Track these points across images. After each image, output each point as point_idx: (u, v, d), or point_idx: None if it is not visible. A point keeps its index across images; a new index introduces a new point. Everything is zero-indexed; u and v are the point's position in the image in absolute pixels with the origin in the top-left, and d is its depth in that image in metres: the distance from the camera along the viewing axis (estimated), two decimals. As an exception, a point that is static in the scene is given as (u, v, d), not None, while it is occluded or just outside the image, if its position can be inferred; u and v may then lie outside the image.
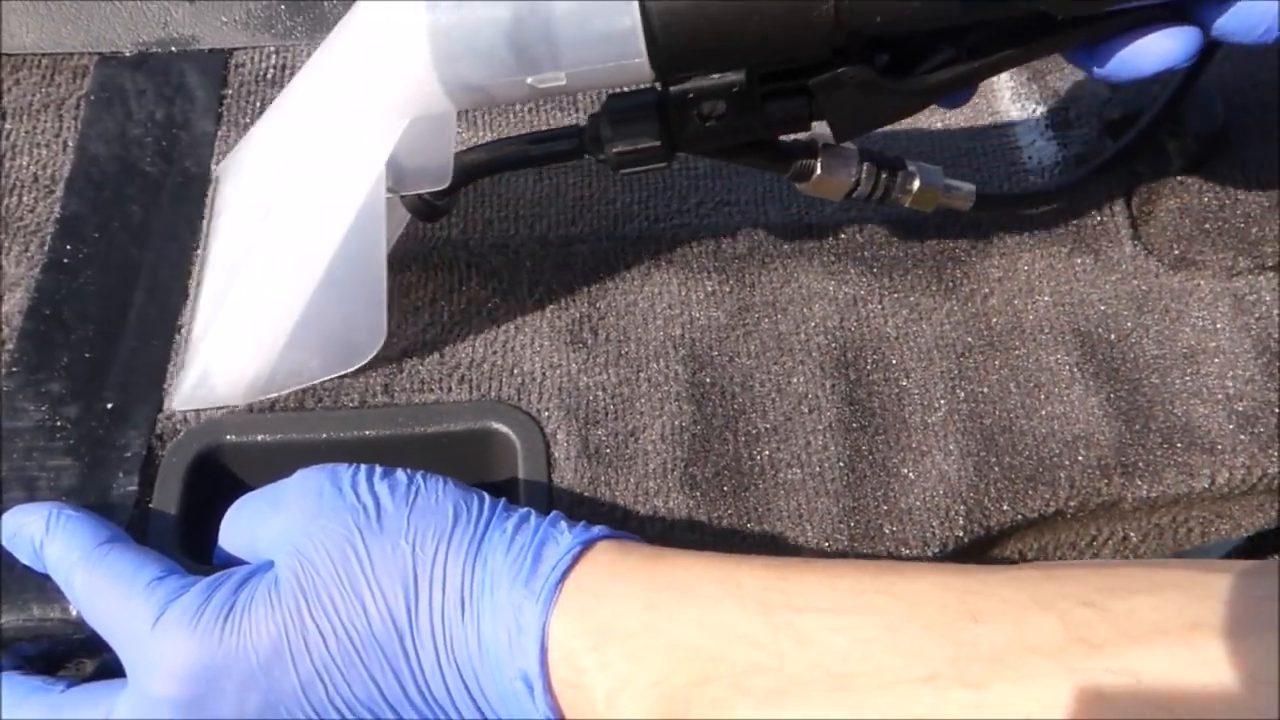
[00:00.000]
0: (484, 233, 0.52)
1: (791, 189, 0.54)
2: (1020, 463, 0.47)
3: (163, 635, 0.38)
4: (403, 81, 0.41)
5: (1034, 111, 0.58)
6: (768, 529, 0.46)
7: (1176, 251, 0.53)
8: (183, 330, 0.49)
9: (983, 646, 0.34)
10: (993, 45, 0.42)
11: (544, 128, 0.55)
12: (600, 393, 0.48)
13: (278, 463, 0.44)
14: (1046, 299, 0.51)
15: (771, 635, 0.36)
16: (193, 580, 0.39)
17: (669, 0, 0.38)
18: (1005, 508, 0.46)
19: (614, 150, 0.44)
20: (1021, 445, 0.47)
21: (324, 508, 0.39)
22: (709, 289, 0.51)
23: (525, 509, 0.40)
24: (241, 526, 0.42)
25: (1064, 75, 0.59)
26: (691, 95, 0.41)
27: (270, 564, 0.40)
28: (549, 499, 0.46)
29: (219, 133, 0.55)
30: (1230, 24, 0.40)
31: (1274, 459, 0.47)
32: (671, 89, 0.41)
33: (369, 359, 0.47)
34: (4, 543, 0.43)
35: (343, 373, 0.47)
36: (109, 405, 0.47)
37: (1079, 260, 0.52)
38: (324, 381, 0.48)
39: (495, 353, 0.49)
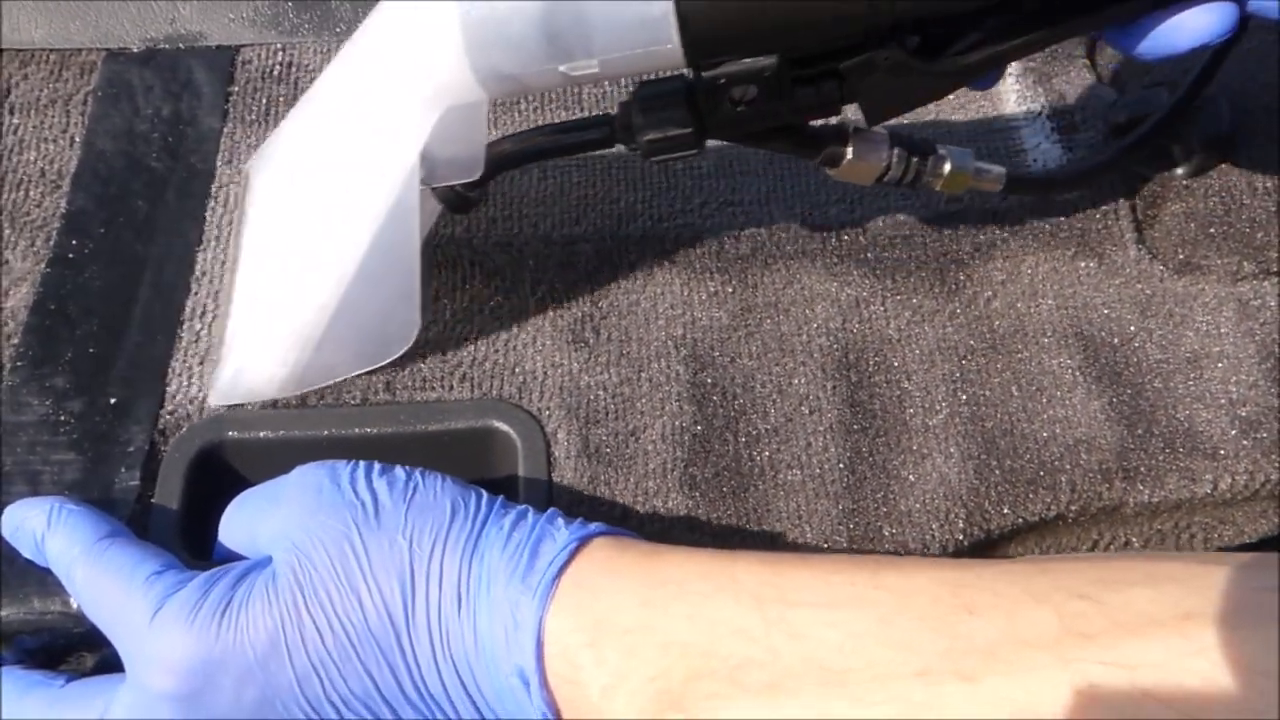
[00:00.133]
0: (487, 231, 0.53)
1: (794, 190, 0.55)
2: (1021, 466, 0.47)
3: (160, 629, 0.38)
4: (436, 71, 0.41)
5: (1039, 114, 0.57)
6: (767, 530, 0.46)
7: (1181, 256, 0.52)
8: (213, 324, 0.49)
9: (976, 639, 0.34)
10: (1025, 25, 0.41)
11: (543, 122, 0.55)
12: (601, 392, 0.48)
13: (279, 459, 0.44)
14: (1049, 302, 0.51)
15: (765, 630, 0.36)
16: (191, 575, 0.39)
17: None
18: (1006, 511, 0.46)
19: (645, 138, 0.43)
20: (1023, 449, 0.47)
21: (322, 504, 0.39)
22: (711, 289, 0.51)
23: (523, 506, 0.40)
24: (241, 522, 0.42)
25: (1069, 78, 0.58)
26: (723, 81, 0.41)
27: (269, 559, 0.40)
28: (549, 498, 0.46)
29: (225, 129, 0.56)
30: None
31: (1276, 465, 0.47)
32: (703, 75, 0.41)
33: (401, 353, 0.47)
34: (6, 536, 0.43)
35: (375, 367, 0.47)
36: (112, 400, 0.47)
37: (1083, 264, 0.52)
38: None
39: (497, 351, 0.49)
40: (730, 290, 0.51)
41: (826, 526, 0.46)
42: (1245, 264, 0.52)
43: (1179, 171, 0.54)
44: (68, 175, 0.53)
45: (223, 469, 0.47)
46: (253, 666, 0.37)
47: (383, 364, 0.47)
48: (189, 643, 0.37)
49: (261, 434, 0.46)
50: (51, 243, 0.51)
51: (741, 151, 0.55)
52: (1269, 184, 0.53)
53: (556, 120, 0.56)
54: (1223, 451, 0.47)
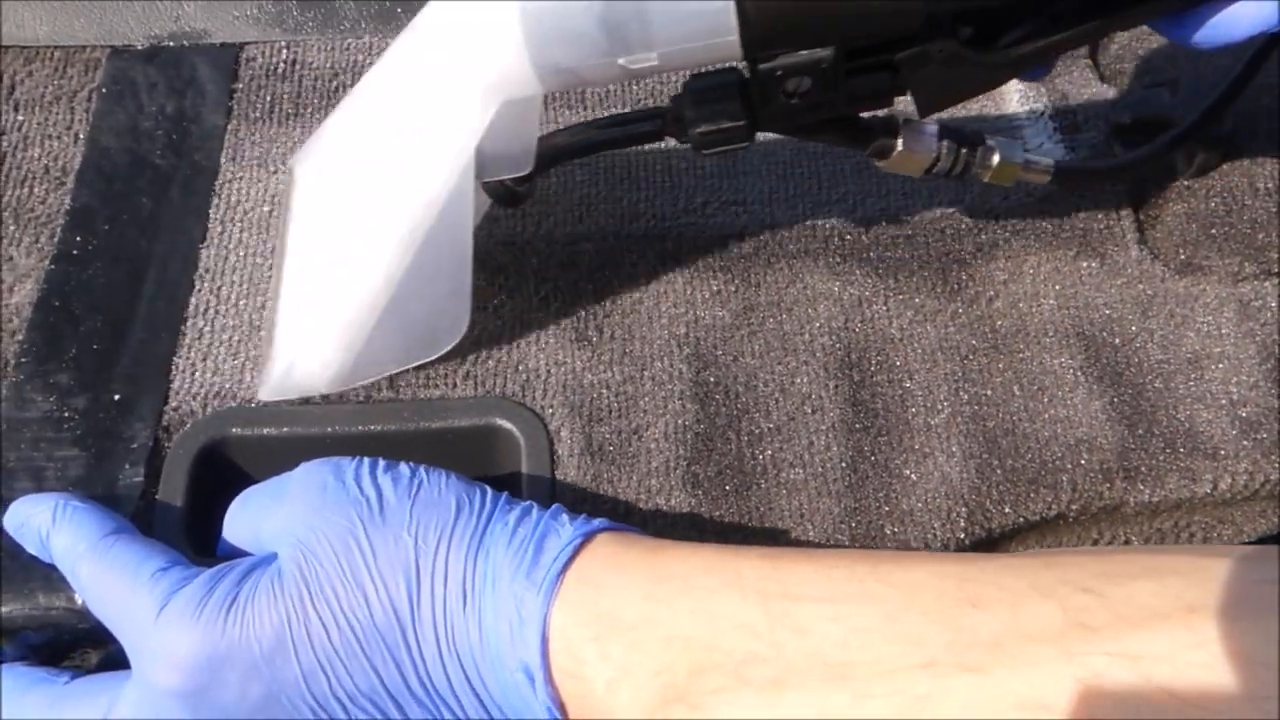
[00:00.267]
0: (490, 230, 0.53)
1: (797, 190, 0.55)
2: (1022, 465, 0.47)
3: (166, 626, 0.38)
4: (494, 66, 0.41)
5: (1042, 114, 0.58)
6: (770, 528, 0.46)
7: (1182, 256, 0.53)
8: (261, 318, 0.49)
9: (981, 633, 0.34)
10: (1078, 16, 0.41)
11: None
12: (604, 390, 0.48)
13: (283, 456, 0.44)
14: (1051, 302, 0.51)
15: (769, 625, 0.36)
16: (196, 571, 0.39)
17: None
18: (1007, 510, 0.46)
19: (697, 131, 0.44)
20: (1024, 448, 0.47)
21: (327, 500, 0.39)
22: (714, 288, 0.51)
23: (527, 502, 0.41)
24: (246, 519, 0.42)
25: (1072, 78, 0.59)
26: (779, 73, 0.41)
27: (273, 556, 0.40)
28: (552, 495, 0.46)
29: (229, 126, 0.56)
30: None
31: (1276, 465, 0.47)
32: (759, 67, 0.41)
33: (450, 347, 0.47)
34: (11, 533, 0.43)
35: (423, 361, 0.48)
36: (116, 397, 0.47)
37: (1084, 264, 0.52)
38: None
39: (500, 349, 0.49)
40: (733, 289, 0.51)
41: (829, 525, 0.46)
42: (1246, 265, 0.52)
43: (1180, 172, 0.54)
44: (72, 172, 0.53)
45: (227, 465, 0.47)
46: (258, 663, 0.38)
47: (428, 359, 0.48)
48: (194, 639, 0.38)
49: (265, 430, 0.46)
50: (56, 239, 0.51)
51: (745, 150, 0.55)
52: (1270, 185, 0.53)
53: (555, 116, 0.57)
54: (1223, 452, 0.47)
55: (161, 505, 0.45)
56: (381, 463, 0.41)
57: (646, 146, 0.49)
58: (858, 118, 0.45)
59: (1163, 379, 0.49)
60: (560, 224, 0.53)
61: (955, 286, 0.52)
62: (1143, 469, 0.47)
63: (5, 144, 0.54)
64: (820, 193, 0.55)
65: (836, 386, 0.49)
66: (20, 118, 0.55)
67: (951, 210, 0.54)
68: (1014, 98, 0.59)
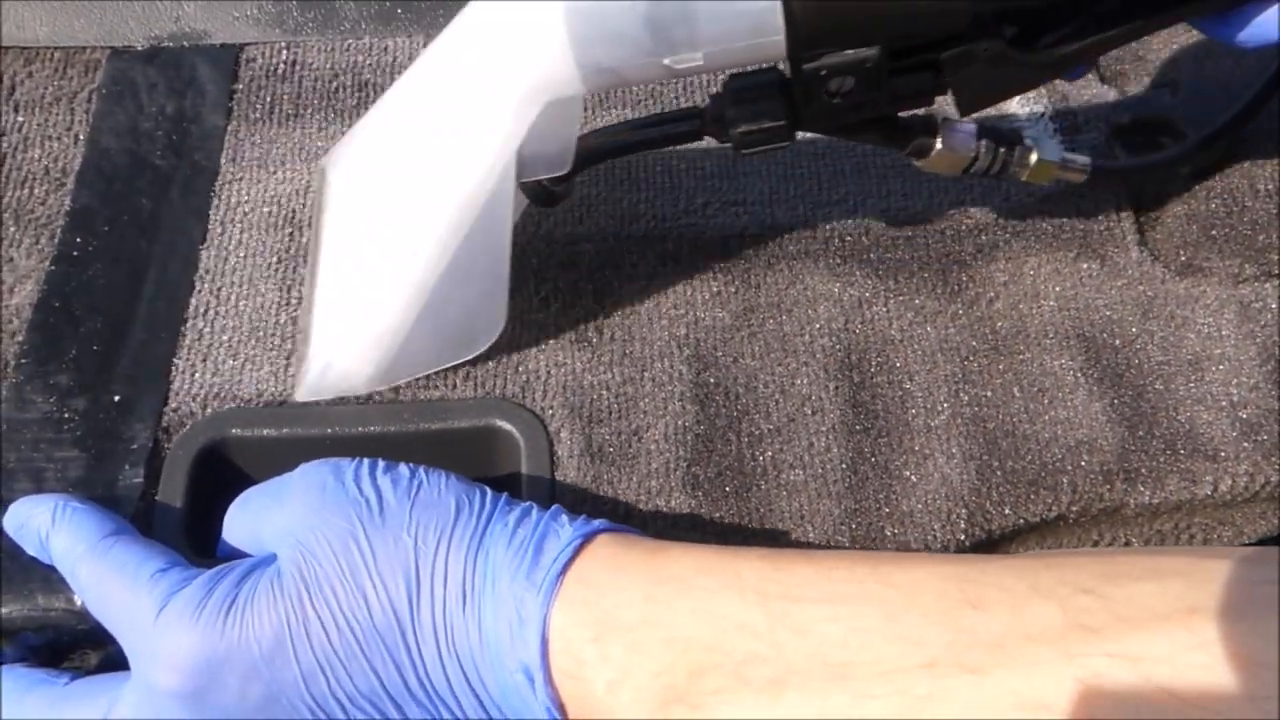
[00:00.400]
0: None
1: (797, 191, 0.55)
2: (1023, 467, 0.47)
3: (166, 627, 0.38)
4: (539, 66, 0.41)
5: (1042, 115, 0.58)
6: (770, 530, 0.46)
7: (1183, 258, 0.53)
8: (297, 318, 0.49)
9: (982, 633, 0.34)
10: (1122, 15, 0.41)
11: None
12: (604, 392, 0.48)
13: (283, 457, 0.44)
14: (1051, 303, 0.51)
15: (769, 625, 0.36)
16: (196, 573, 0.39)
17: None
18: (1007, 512, 0.46)
19: (738, 130, 0.44)
20: (1024, 450, 0.47)
21: (326, 501, 0.39)
22: (714, 289, 0.51)
23: (527, 503, 0.41)
24: (245, 520, 0.42)
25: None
26: (823, 72, 0.41)
27: (273, 557, 0.40)
28: (551, 497, 0.46)
29: (229, 127, 0.56)
30: None
31: (1277, 467, 0.47)
32: (803, 66, 0.41)
33: (485, 348, 0.47)
34: (10, 534, 0.43)
35: (459, 361, 0.48)
36: (116, 398, 0.47)
37: (1084, 265, 0.52)
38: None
39: (500, 350, 0.49)
40: (733, 290, 0.51)
41: (829, 526, 0.46)
42: (1247, 266, 0.52)
43: (1180, 173, 0.54)
44: (72, 173, 0.53)
45: (226, 466, 0.47)
46: (258, 664, 0.38)
47: (464, 359, 0.48)
48: (194, 640, 0.37)
49: (265, 432, 0.46)
50: (56, 240, 0.51)
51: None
52: (1270, 186, 0.53)
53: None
54: (1223, 453, 0.47)
55: (161, 506, 0.45)
56: (381, 464, 0.41)
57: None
58: (897, 117, 0.45)
59: (1163, 380, 0.49)
60: (560, 224, 0.53)
61: (955, 288, 0.52)
62: (1143, 471, 0.47)
63: (5, 145, 0.54)
64: (820, 194, 0.55)
65: (836, 388, 0.49)
66: (20, 119, 0.55)
67: (952, 212, 0.54)
68: (1014, 99, 0.59)
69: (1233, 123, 0.52)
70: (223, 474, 0.46)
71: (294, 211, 0.53)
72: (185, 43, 0.58)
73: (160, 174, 0.54)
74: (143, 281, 0.50)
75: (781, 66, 0.43)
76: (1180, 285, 0.52)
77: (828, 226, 0.53)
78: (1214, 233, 0.53)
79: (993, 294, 0.52)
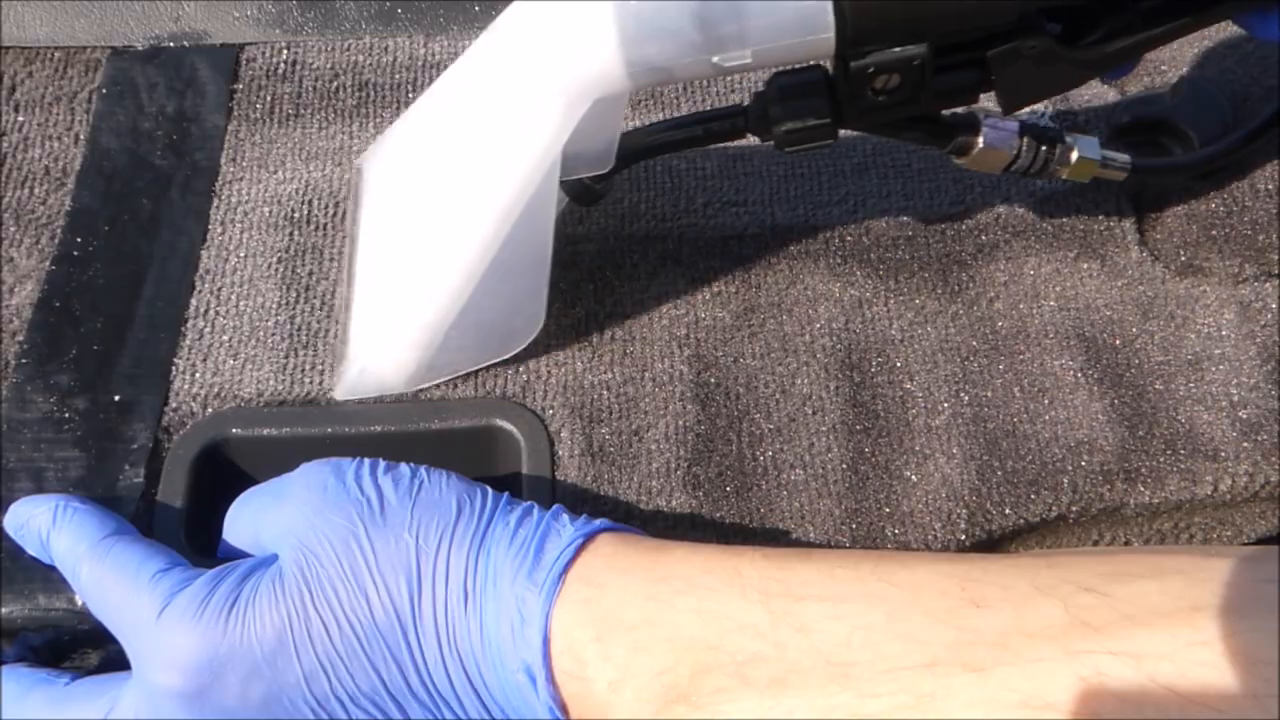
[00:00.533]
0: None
1: (798, 191, 0.55)
2: (1023, 467, 0.47)
3: (167, 627, 0.38)
4: (587, 64, 0.41)
5: (1042, 115, 0.58)
6: (770, 530, 0.46)
7: (1183, 258, 0.53)
8: (336, 317, 0.49)
9: (984, 631, 0.34)
10: (1168, 13, 0.41)
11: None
12: (605, 391, 0.48)
13: (283, 456, 0.44)
14: (1052, 303, 0.51)
15: (771, 624, 0.36)
16: (197, 573, 0.39)
17: None
18: (1007, 512, 0.46)
19: (782, 129, 0.44)
20: (1024, 450, 0.47)
21: (328, 501, 0.39)
22: (715, 289, 0.51)
23: (528, 503, 0.41)
24: (246, 520, 0.42)
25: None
26: (871, 69, 0.41)
27: (274, 557, 0.40)
28: (552, 497, 0.46)
29: (229, 127, 0.56)
30: None
31: (1276, 467, 0.47)
32: (851, 64, 0.41)
33: (523, 346, 0.47)
34: (11, 534, 0.43)
35: (495, 361, 0.48)
36: (116, 398, 0.47)
37: (1085, 265, 0.52)
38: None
39: (501, 350, 0.49)
40: (733, 290, 0.51)
41: (829, 526, 0.46)
42: (1247, 266, 0.52)
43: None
44: (72, 173, 0.53)
45: (227, 466, 0.47)
46: (259, 663, 0.37)
47: (502, 358, 0.48)
48: (195, 640, 0.37)
49: (265, 431, 0.46)
50: (56, 240, 0.51)
51: (745, 151, 0.55)
52: (1270, 186, 0.53)
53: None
54: (1223, 453, 0.47)
55: (161, 506, 0.45)
56: (382, 463, 0.41)
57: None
58: (940, 115, 0.46)
59: (1163, 380, 0.49)
60: (560, 224, 0.53)
61: (956, 288, 0.52)
62: (1143, 470, 0.47)
63: (6, 145, 0.54)
64: (821, 194, 0.55)
65: (837, 388, 0.49)
66: (21, 119, 0.55)
67: (952, 212, 0.54)
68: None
69: (1274, 119, 0.52)
70: (223, 474, 0.46)
71: (294, 211, 0.53)
72: (185, 43, 0.58)
73: (160, 174, 0.54)
74: (143, 281, 0.50)
75: (825, 64, 0.43)
76: (1180, 285, 0.52)
77: (828, 226, 0.53)
78: (1214, 233, 0.53)
79: (993, 294, 0.52)
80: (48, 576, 0.43)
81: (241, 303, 0.50)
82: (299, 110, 0.57)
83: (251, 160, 0.55)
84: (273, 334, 0.49)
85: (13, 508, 0.43)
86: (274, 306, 0.50)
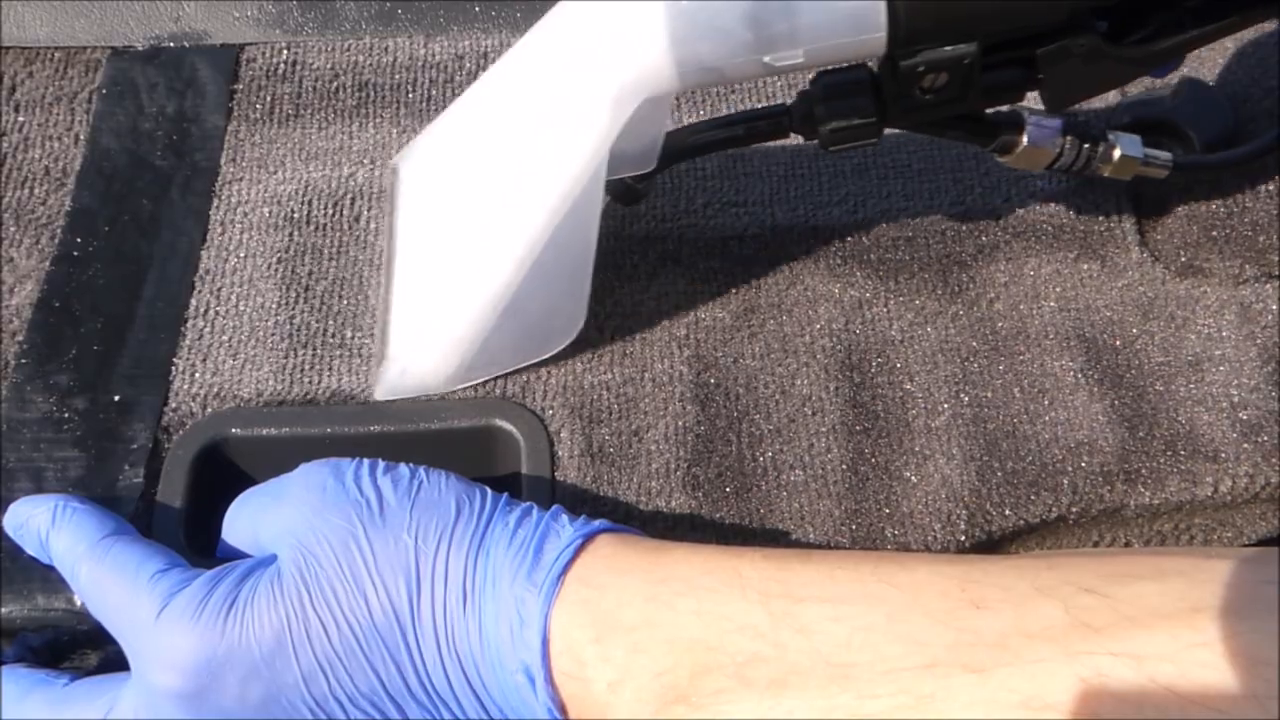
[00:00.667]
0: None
1: (798, 191, 0.55)
2: (1023, 468, 0.47)
3: (166, 627, 0.38)
4: (637, 63, 0.41)
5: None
6: (770, 530, 0.46)
7: (1183, 258, 0.53)
8: (378, 316, 0.49)
9: (984, 633, 0.34)
10: (1215, 11, 0.41)
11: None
12: (604, 392, 0.48)
13: (282, 456, 0.44)
14: (1052, 304, 0.51)
15: (772, 625, 0.36)
16: (196, 573, 0.39)
17: None
18: (1007, 513, 0.46)
19: (828, 128, 0.44)
20: (1024, 450, 0.47)
21: (327, 501, 0.39)
22: (714, 289, 0.51)
23: (527, 504, 0.41)
24: (245, 520, 0.42)
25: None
26: (921, 68, 0.41)
27: (273, 557, 0.40)
28: (552, 497, 0.46)
29: (229, 127, 0.56)
30: None
31: (1277, 468, 0.47)
32: (901, 63, 0.41)
33: (563, 346, 0.47)
34: (10, 534, 0.43)
35: (534, 361, 0.48)
36: (116, 398, 0.47)
37: (1085, 266, 0.52)
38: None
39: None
40: (733, 290, 0.51)
41: (829, 527, 0.46)
42: (1247, 267, 0.52)
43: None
44: (72, 173, 0.53)
45: (226, 466, 0.47)
46: (258, 664, 0.37)
47: (542, 358, 0.48)
48: (194, 640, 0.37)
49: (265, 431, 0.46)
50: (56, 240, 0.51)
51: (745, 151, 0.55)
52: (1271, 187, 0.53)
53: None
54: (1224, 454, 0.47)
55: (160, 506, 0.45)
56: (381, 464, 0.41)
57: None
58: (983, 114, 0.46)
59: (1163, 381, 0.49)
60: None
61: (956, 288, 0.52)
62: (1143, 471, 0.47)
63: (6, 145, 0.54)
64: (821, 194, 0.55)
65: (837, 388, 0.49)
66: (21, 119, 0.55)
67: (952, 212, 0.54)
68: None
69: None
70: (223, 474, 0.46)
71: (293, 211, 0.53)
72: (185, 43, 0.58)
73: (160, 174, 0.54)
74: (142, 282, 0.50)
75: (870, 63, 0.43)
76: (1181, 286, 0.52)
77: (828, 227, 0.53)
78: (1214, 233, 0.53)
79: (993, 295, 0.52)
80: (47, 576, 0.43)
81: (241, 303, 0.50)
82: (299, 110, 0.57)
83: (251, 161, 0.55)
84: (272, 334, 0.49)
85: (12, 507, 0.43)
86: (273, 307, 0.50)
